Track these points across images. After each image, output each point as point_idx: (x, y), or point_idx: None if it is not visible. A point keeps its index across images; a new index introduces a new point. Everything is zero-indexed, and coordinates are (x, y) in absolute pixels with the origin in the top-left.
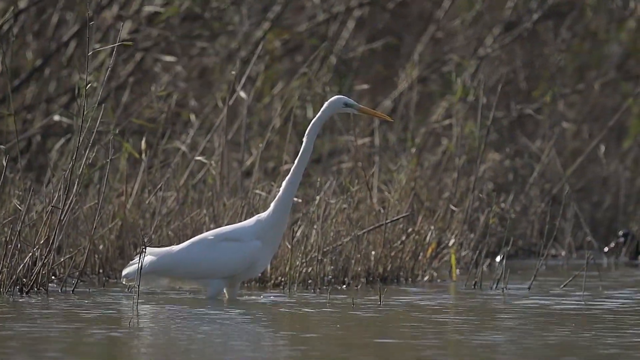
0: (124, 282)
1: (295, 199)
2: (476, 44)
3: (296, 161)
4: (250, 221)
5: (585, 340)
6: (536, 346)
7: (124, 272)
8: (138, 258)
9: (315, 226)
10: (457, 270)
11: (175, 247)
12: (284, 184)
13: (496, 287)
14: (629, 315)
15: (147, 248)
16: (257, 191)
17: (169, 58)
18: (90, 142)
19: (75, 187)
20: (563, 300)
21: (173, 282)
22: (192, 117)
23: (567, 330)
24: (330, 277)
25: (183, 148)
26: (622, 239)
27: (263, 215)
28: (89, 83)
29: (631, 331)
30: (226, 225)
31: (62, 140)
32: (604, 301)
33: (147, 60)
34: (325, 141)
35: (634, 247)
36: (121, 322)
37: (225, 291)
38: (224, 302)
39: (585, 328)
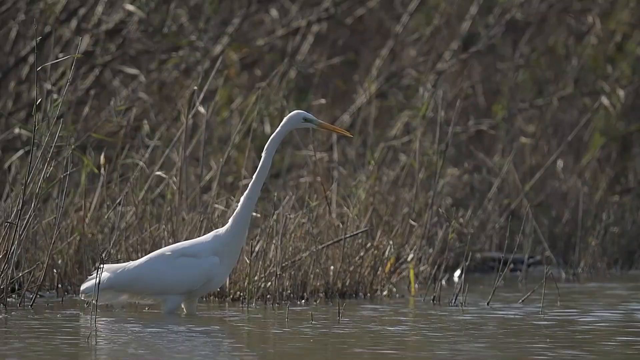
0: (82, 298)
1: (254, 214)
2: (434, 59)
3: (254, 176)
4: (208, 237)
5: (544, 353)
6: None
7: (82, 287)
8: (96, 273)
9: (274, 241)
10: (416, 285)
11: (133, 263)
12: (242, 199)
13: (455, 301)
14: (586, 327)
15: (105, 264)
16: (217, 205)
17: (132, 71)
18: (49, 156)
19: (32, 201)
20: (522, 314)
21: (131, 297)
22: (147, 126)
23: (526, 344)
24: (289, 292)
25: (141, 163)
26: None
27: (221, 230)
28: (39, 98)
29: (588, 344)
30: (185, 240)
31: (21, 152)
32: (561, 315)
33: (106, 74)
34: (285, 156)
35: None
36: (79, 336)
37: (183, 306)
38: (182, 316)
39: (543, 341)
